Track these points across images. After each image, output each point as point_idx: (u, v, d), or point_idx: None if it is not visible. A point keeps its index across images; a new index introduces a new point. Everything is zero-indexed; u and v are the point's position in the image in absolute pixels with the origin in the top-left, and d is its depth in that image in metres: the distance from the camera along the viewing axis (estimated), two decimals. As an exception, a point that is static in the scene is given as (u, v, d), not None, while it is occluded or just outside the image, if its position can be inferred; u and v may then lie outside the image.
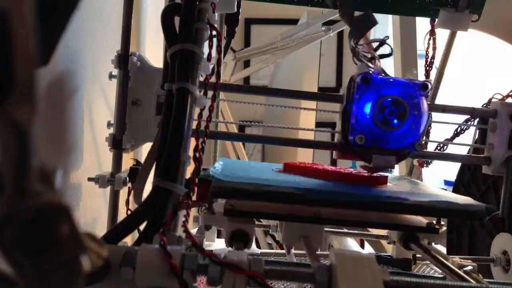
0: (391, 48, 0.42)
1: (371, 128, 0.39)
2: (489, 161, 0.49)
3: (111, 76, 0.54)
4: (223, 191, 0.35)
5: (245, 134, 0.58)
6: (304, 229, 0.37)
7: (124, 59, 0.52)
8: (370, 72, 0.39)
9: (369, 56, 0.41)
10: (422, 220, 0.40)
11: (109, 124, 0.54)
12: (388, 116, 0.39)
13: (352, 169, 0.45)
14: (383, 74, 0.41)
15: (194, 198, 0.31)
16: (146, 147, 0.44)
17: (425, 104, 0.39)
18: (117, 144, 0.53)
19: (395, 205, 0.36)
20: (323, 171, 0.44)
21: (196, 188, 0.32)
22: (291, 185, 0.36)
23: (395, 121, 0.39)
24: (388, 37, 0.42)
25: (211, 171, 0.39)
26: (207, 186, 0.35)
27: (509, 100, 0.53)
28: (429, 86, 0.39)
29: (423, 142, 0.41)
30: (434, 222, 0.39)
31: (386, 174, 0.44)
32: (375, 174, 0.42)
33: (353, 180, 0.42)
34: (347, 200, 0.36)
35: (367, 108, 0.39)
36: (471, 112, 0.51)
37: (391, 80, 0.39)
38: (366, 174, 0.42)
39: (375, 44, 0.42)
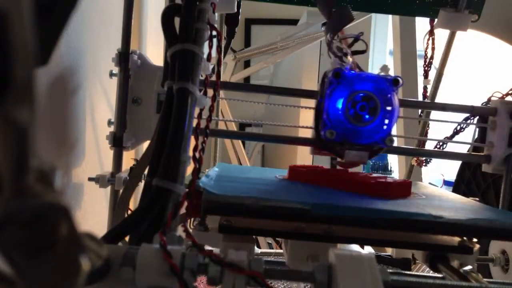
0: (366, 45, 0.42)
1: (342, 123, 0.39)
2: (489, 159, 0.49)
3: (111, 74, 0.54)
4: (217, 207, 0.31)
5: (243, 132, 0.58)
6: (313, 247, 0.33)
7: (124, 57, 0.52)
8: (342, 67, 0.39)
9: (343, 51, 0.41)
10: (452, 237, 0.35)
11: (109, 122, 0.54)
12: (359, 111, 0.39)
13: (367, 173, 0.41)
14: (357, 70, 0.40)
15: (183, 210, 0.29)
16: (147, 146, 0.44)
17: (396, 99, 0.39)
18: (117, 142, 0.52)
19: (427, 224, 0.31)
20: (335, 178, 0.40)
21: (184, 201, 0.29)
22: (296, 198, 0.32)
23: (367, 116, 0.39)
24: (362, 33, 0.42)
25: (203, 182, 0.34)
26: (197, 198, 0.31)
27: (508, 98, 0.53)
28: (400, 81, 0.39)
29: (393, 138, 0.40)
30: (466, 239, 0.35)
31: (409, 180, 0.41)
32: (398, 181, 0.39)
33: (370, 190, 0.37)
34: (365, 218, 0.30)
35: (339, 103, 0.39)
36: (471, 110, 0.50)
37: (362, 75, 0.39)
38: (386, 181, 0.38)
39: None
